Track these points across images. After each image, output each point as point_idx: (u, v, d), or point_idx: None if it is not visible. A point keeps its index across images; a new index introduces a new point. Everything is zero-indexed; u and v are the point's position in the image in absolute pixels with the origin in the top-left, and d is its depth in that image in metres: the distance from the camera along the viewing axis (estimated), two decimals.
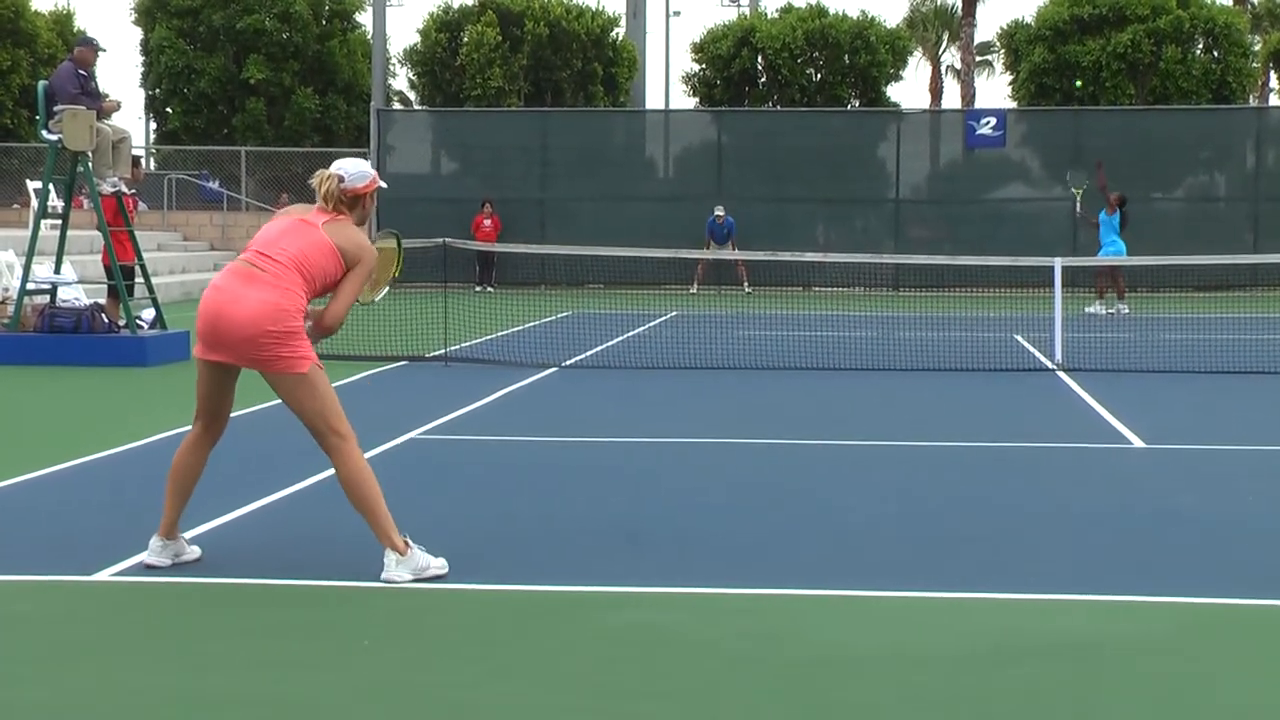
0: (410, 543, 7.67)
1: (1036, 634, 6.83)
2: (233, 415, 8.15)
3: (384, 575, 7.58)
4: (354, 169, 7.98)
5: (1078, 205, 30.67)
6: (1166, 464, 11.85)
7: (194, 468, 8.02)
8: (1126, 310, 29.01)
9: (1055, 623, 7.04)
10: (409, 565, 7.61)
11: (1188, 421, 14.35)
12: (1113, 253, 28.69)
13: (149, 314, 19.53)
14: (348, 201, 7.93)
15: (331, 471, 10.54)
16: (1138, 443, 12.71)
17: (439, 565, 7.70)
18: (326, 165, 8.08)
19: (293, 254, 7.72)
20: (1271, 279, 34.88)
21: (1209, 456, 12.20)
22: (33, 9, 50.07)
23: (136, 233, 19.82)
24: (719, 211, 36.84)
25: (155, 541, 7.91)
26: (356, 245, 7.84)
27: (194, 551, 8.02)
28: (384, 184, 8.24)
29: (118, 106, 19.63)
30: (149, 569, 7.82)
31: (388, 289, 8.70)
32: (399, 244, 8.78)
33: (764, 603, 7.39)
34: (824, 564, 8.23)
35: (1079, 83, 44.13)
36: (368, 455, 10.49)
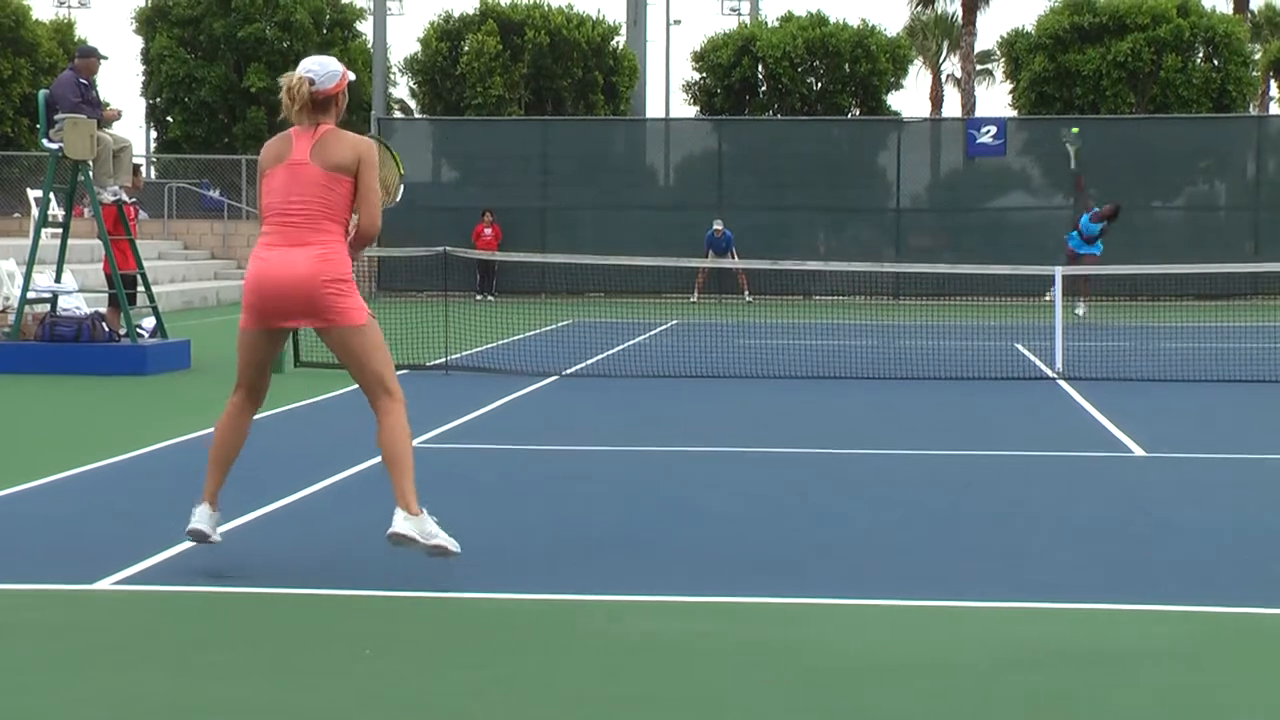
0: (425, 512, 7.70)
1: (1041, 642, 6.82)
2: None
3: (391, 529, 7.62)
4: (321, 69, 7.89)
5: (1072, 161, 30.50)
6: (1167, 473, 11.84)
7: (240, 435, 8.13)
8: (1081, 313, 28.97)
9: (1058, 630, 7.03)
10: (417, 525, 7.64)
11: (1188, 430, 14.35)
12: (1087, 252, 28.86)
13: (149, 323, 19.54)
14: (321, 105, 7.88)
15: (335, 479, 10.58)
16: (1138, 451, 12.71)
17: (449, 540, 7.70)
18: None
19: (309, 202, 7.74)
20: (1272, 288, 34.87)
21: (1210, 465, 12.21)
22: (34, 18, 50.12)
23: (137, 241, 19.85)
24: (717, 225, 36.86)
25: (203, 509, 7.97)
26: (350, 153, 7.82)
27: (217, 538, 8.07)
28: (353, 75, 8.18)
29: (118, 115, 19.64)
30: (193, 534, 7.93)
31: (401, 188, 8.75)
32: (387, 147, 8.79)
33: (768, 611, 7.38)
34: (827, 573, 8.23)
35: None
36: (366, 466, 10.51)
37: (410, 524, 7.62)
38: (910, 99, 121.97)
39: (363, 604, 7.45)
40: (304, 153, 7.79)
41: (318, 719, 5.76)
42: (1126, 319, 29.29)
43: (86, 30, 60.21)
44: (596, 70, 46.36)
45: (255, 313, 7.88)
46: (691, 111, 47.46)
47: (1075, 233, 29.67)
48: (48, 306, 18.89)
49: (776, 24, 48.12)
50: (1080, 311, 28.80)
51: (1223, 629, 7.14)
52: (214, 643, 6.80)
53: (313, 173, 7.75)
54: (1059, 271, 20.44)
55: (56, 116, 18.39)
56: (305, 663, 6.47)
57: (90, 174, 18.46)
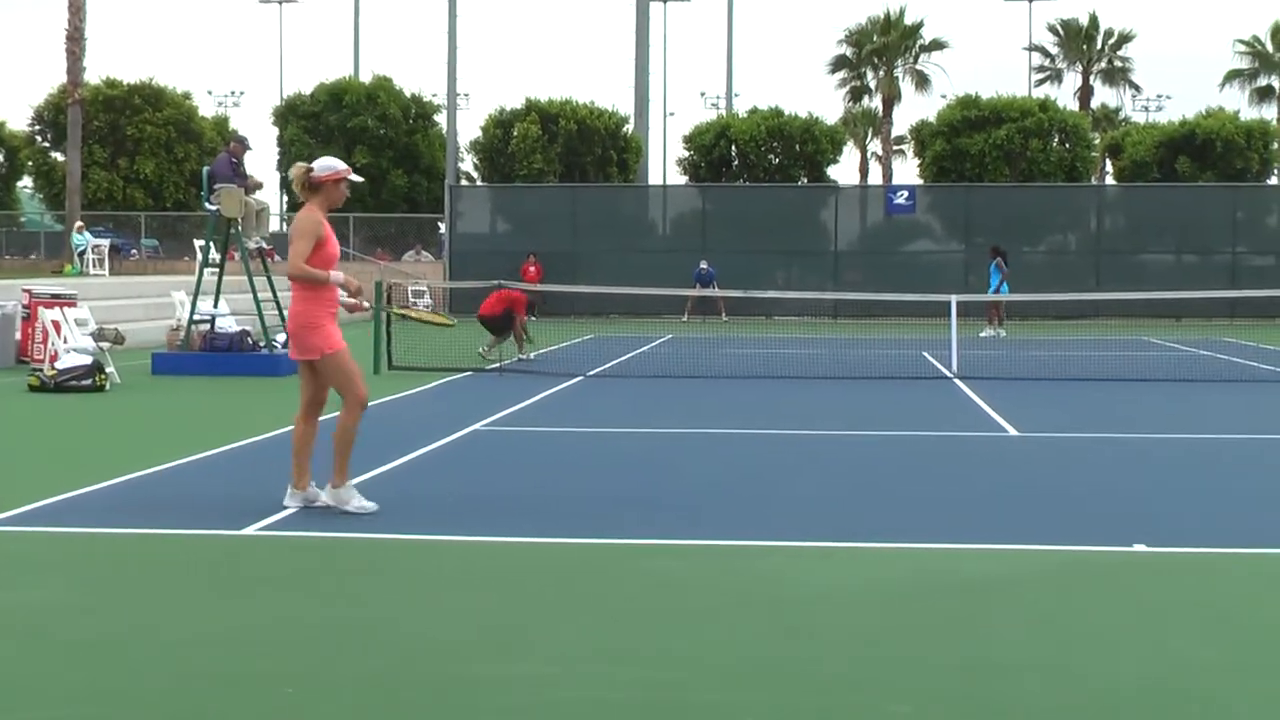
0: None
1: (942, 573, 6.80)
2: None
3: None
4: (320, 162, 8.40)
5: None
6: (1034, 447, 11.80)
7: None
8: (1004, 334, 29.02)
9: (954, 564, 7.00)
10: (335, 496, 8.04)
11: (1050, 416, 14.29)
12: (992, 290, 28.87)
13: (282, 337, 19.51)
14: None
15: (418, 453, 10.52)
16: (1013, 431, 12.68)
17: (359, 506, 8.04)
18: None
19: None
20: (1110, 312, 34.93)
21: (1066, 441, 12.16)
22: (200, 114, 50.39)
23: (274, 277, 19.83)
24: (703, 264, 36.93)
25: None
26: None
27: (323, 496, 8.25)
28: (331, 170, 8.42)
29: (260, 185, 19.65)
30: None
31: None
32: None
33: (742, 551, 7.34)
34: (785, 521, 8.18)
35: None
36: (442, 443, 10.46)
37: (330, 496, 8.04)
38: (844, 171, 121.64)
39: (431, 547, 7.41)
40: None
41: (410, 630, 5.73)
42: (1006, 334, 29.25)
43: (238, 122, 60.34)
44: (612, 150, 46.35)
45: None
46: (683, 180, 47.45)
47: (992, 285, 29.57)
48: (208, 325, 18.89)
49: (745, 115, 48.09)
50: (992, 334, 28.76)
51: (1080, 563, 7.10)
52: (332, 573, 6.78)
53: None
54: (954, 299, 20.42)
55: (215, 186, 18.40)
56: (393, 588, 6.45)
57: (239, 228, 18.48)
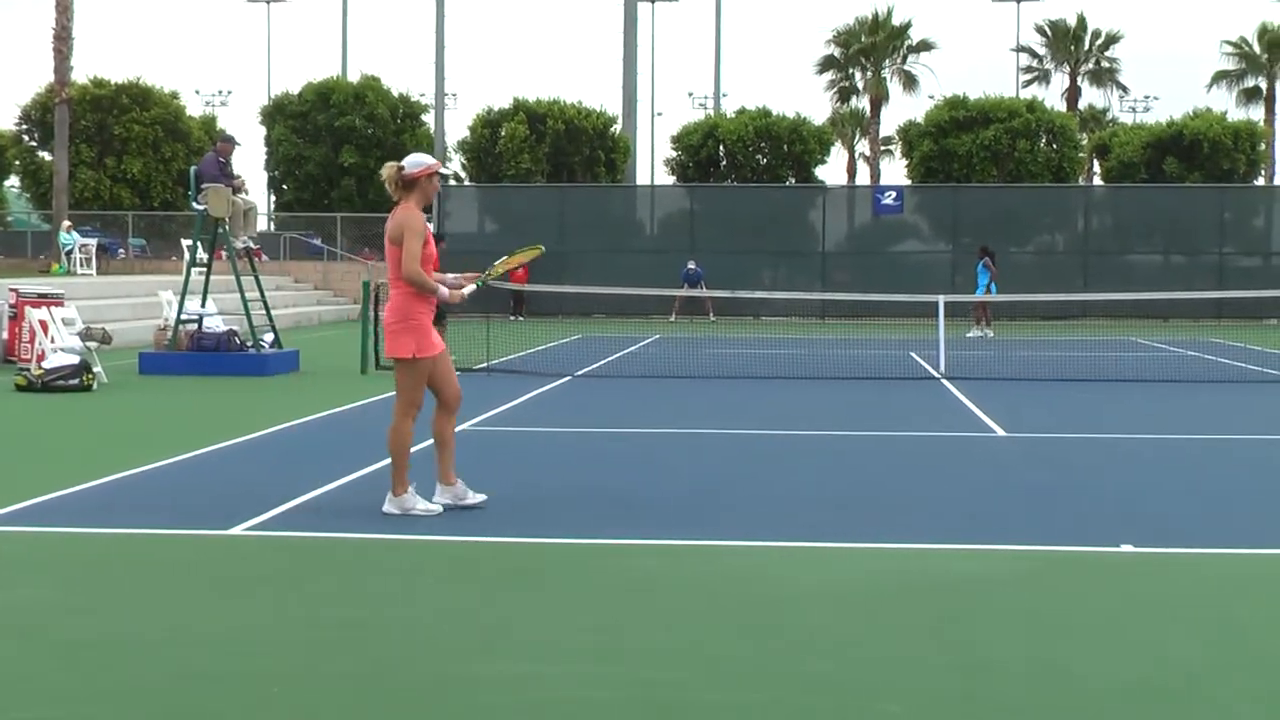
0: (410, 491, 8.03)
1: (930, 572, 6.81)
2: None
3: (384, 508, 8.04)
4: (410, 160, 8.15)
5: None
6: (1021, 447, 11.83)
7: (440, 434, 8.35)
8: (991, 334, 29.07)
9: (942, 564, 7.02)
10: (398, 504, 7.99)
11: (1037, 416, 14.33)
12: (981, 291, 28.92)
13: (269, 337, 19.52)
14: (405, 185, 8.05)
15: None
16: (1000, 432, 12.71)
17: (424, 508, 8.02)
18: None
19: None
20: (1097, 312, 35.00)
21: (1052, 441, 12.19)
22: (187, 113, 50.31)
23: (261, 276, 19.82)
24: (691, 265, 36.93)
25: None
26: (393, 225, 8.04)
27: (478, 496, 8.30)
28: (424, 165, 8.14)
29: (245, 187, 19.63)
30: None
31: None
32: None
33: (729, 551, 7.35)
34: (777, 522, 8.19)
35: None
36: (430, 443, 10.46)
37: (393, 505, 7.99)
38: (832, 171, 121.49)
39: (418, 546, 7.42)
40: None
41: (397, 629, 5.74)
42: (993, 334, 29.29)
43: (225, 122, 60.22)
44: (600, 149, 46.35)
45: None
46: (670, 180, 47.46)
47: (981, 286, 29.62)
48: (196, 325, 18.85)
49: (733, 115, 48.11)
50: (980, 334, 28.81)
51: (1063, 562, 7.13)
52: (322, 572, 6.77)
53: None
54: (942, 300, 20.45)
55: (202, 185, 18.37)
56: (381, 588, 6.45)
57: (227, 227, 18.45)
